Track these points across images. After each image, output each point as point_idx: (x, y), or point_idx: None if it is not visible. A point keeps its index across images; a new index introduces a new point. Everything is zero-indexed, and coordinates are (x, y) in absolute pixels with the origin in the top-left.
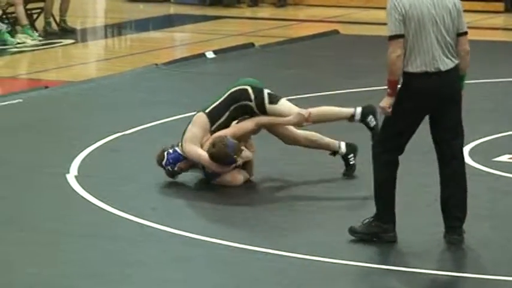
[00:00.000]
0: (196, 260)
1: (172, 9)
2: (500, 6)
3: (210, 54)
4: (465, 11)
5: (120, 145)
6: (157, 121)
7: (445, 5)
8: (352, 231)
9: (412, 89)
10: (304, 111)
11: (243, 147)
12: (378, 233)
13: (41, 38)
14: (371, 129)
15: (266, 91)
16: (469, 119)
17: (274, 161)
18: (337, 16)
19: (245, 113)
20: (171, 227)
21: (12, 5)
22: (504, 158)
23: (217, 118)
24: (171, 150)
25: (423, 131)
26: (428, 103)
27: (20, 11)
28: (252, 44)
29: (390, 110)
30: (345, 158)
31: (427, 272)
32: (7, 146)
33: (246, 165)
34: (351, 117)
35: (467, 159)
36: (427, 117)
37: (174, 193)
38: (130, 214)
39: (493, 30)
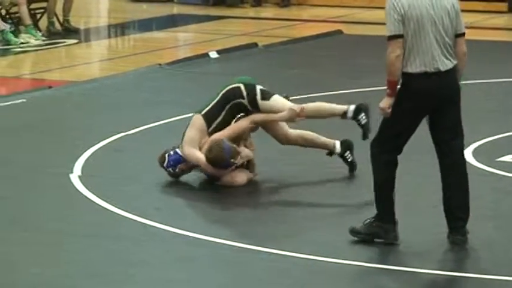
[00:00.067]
0: (200, 260)
1: (176, 9)
2: (503, 6)
3: (213, 54)
4: (468, 11)
5: (124, 145)
6: (160, 121)
7: (444, 6)
8: (353, 231)
9: (411, 90)
10: (297, 107)
11: (242, 147)
12: (379, 233)
13: (44, 38)
14: (362, 126)
15: (258, 87)
16: (472, 119)
17: (275, 161)
18: (340, 16)
19: (240, 111)
20: (175, 227)
21: (15, 5)
22: (507, 158)
23: (213, 119)
24: (171, 152)
25: (425, 131)
26: (428, 103)
27: (24, 11)
28: (256, 44)
29: (390, 110)
30: (342, 156)
31: (429, 272)
32: (11, 146)
33: (248, 164)
34: (344, 114)
35: (471, 160)
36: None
37: (178, 193)
38: (133, 214)
39: (496, 30)
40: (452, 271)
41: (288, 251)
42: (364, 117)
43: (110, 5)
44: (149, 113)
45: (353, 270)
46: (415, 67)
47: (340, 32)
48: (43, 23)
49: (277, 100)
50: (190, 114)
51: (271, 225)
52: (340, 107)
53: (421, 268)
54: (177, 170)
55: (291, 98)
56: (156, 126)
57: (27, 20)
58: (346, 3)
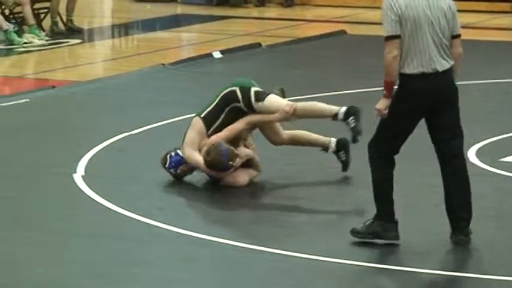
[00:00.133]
0: (203, 260)
1: (179, 9)
2: (506, 6)
3: (217, 54)
4: (471, 11)
5: (127, 145)
6: (164, 121)
7: (441, 7)
8: (354, 232)
9: (409, 91)
10: (289, 107)
11: (242, 148)
12: (380, 233)
13: (47, 38)
14: (351, 129)
15: (253, 89)
16: (476, 119)
17: (277, 161)
18: (344, 16)
19: (238, 114)
20: (178, 227)
21: (19, 4)
22: (511, 158)
23: (212, 122)
24: (173, 153)
25: (425, 131)
26: (426, 104)
27: (27, 10)
28: (259, 44)
29: (386, 111)
30: (335, 154)
31: (430, 272)
32: (14, 145)
33: (251, 163)
34: (335, 116)
35: (474, 160)
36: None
37: (181, 193)
38: (137, 214)
39: (500, 30)
40: (453, 271)
41: (290, 251)
42: (352, 120)
43: (113, 5)
44: (153, 113)
45: (354, 270)
46: (412, 68)
47: (343, 32)
48: (46, 23)
49: (272, 101)
50: (193, 115)
51: (273, 226)
52: (331, 109)
53: (421, 268)
54: (178, 171)
55: (293, 98)
56: (159, 126)
57: (31, 20)
58: (349, 4)
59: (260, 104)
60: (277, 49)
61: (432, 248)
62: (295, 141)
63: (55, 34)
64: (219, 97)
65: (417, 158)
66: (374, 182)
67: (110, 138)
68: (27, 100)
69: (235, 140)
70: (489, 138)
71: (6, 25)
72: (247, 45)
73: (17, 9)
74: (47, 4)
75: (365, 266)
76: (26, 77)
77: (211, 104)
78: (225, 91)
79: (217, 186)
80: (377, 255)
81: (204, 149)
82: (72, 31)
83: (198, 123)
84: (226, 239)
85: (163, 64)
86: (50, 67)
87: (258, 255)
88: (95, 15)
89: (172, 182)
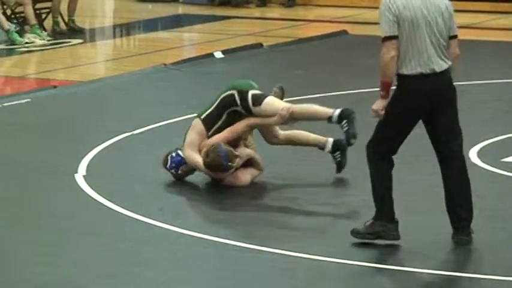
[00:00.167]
0: (204, 260)
1: (181, 9)
2: (509, 6)
3: (218, 54)
4: (474, 11)
5: (129, 145)
6: (165, 121)
7: (438, 7)
8: (354, 232)
9: (407, 91)
10: (285, 111)
11: (242, 148)
12: (381, 233)
13: (49, 38)
14: (344, 133)
15: (250, 93)
16: (478, 120)
17: (277, 162)
18: (345, 16)
19: (237, 117)
20: (179, 227)
21: (20, 4)
22: None
23: (212, 125)
24: (174, 154)
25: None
26: (424, 105)
27: (29, 10)
28: (261, 44)
29: (383, 112)
30: (331, 155)
31: (430, 272)
32: (15, 145)
33: (252, 162)
34: (329, 119)
35: (476, 160)
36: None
37: (182, 193)
38: (138, 214)
39: (504, 30)
40: (453, 271)
41: (290, 251)
42: (345, 124)
43: (115, 5)
44: (154, 113)
45: (354, 270)
46: (410, 69)
47: (345, 32)
48: (48, 22)
49: (269, 104)
50: (195, 115)
51: (274, 226)
52: (326, 111)
53: (421, 268)
54: (179, 171)
55: (295, 98)
56: (161, 126)
57: (33, 20)
58: (351, 4)
59: (258, 107)
60: (279, 49)
61: (432, 248)
62: (292, 141)
63: (56, 34)
64: (218, 100)
65: (417, 157)
66: (373, 182)
67: (112, 138)
68: (29, 100)
69: (236, 141)
70: (491, 138)
71: (8, 25)
72: (248, 45)
73: (19, 9)
74: (49, 4)
75: (365, 266)
76: (27, 77)
77: (211, 106)
78: (224, 94)
79: (218, 187)
80: (377, 255)
81: (204, 150)
82: (74, 31)
83: (198, 125)
84: (227, 239)
85: (164, 64)
86: (52, 67)
87: (258, 255)
88: (97, 15)
89: (174, 182)
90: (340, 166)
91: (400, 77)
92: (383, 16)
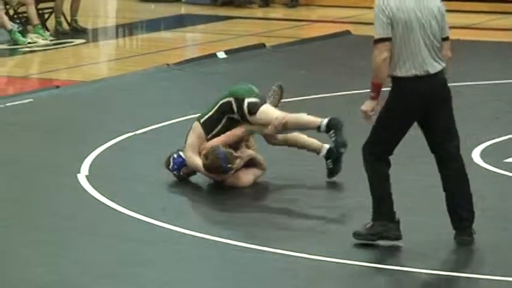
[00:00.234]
0: (205, 260)
1: (184, 9)
2: (510, 7)
3: (221, 55)
4: (476, 11)
5: (131, 145)
6: (168, 121)
7: (431, 9)
8: (356, 234)
9: (402, 93)
10: (278, 121)
11: (244, 149)
12: (382, 233)
13: (52, 38)
14: (333, 142)
15: (246, 101)
16: (480, 120)
17: (278, 163)
18: (348, 17)
19: (236, 122)
20: (182, 227)
21: (23, 4)
22: None
23: (211, 129)
24: (175, 156)
25: None
26: (419, 106)
27: (31, 10)
28: (263, 45)
29: (372, 113)
30: (325, 160)
31: (430, 272)
32: (18, 145)
33: (254, 162)
34: (318, 128)
35: (478, 161)
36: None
37: (184, 193)
38: (140, 214)
39: (504, 31)
40: (454, 271)
41: (291, 251)
42: (333, 134)
43: (117, 5)
44: (157, 113)
45: (355, 270)
46: (405, 71)
47: (348, 32)
48: (51, 22)
49: (264, 113)
50: (198, 115)
51: (275, 226)
52: (315, 121)
53: (421, 268)
54: (181, 173)
55: (297, 98)
56: (163, 126)
57: (35, 20)
58: (354, 4)
59: (253, 116)
60: (282, 49)
61: (432, 248)
62: (289, 143)
63: (59, 34)
64: (217, 106)
65: (417, 158)
66: (371, 183)
67: (114, 138)
68: (31, 100)
69: (237, 142)
70: (494, 139)
71: (11, 25)
72: (251, 45)
73: (21, 9)
74: (51, 4)
75: (365, 266)
76: (30, 77)
77: (210, 110)
78: (222, 101)
79: (220, 187)
80: (377, 255)
81: (203, 152)
82: (77, 31)
83: (197, 128)
84: (229, 239)
85: (167, 64)
86: (54, 67)
87: (259, 255)
88: (99, 15)
89: (176, 183)
90: (331, 173)
91: (395, 79)
92: (377, 18)
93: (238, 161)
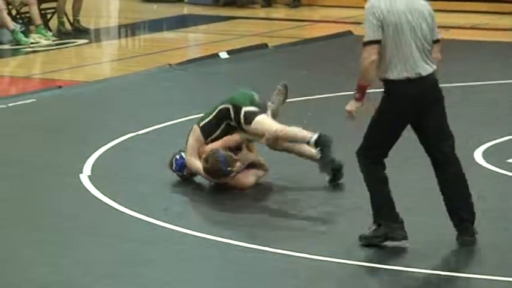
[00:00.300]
0: (207, 260)
1: (186, 9)
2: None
3: (223, 55)
4: (477, 12)
5: (134, 145)
6: (170, 121)
7: (421, 12)
8: (362, 238)
9: (395, 96)
10: (270, 135)
11: (245, 151)
12: (388, 234)
13: (54, 38)
14: (319, 159)
15: (244, 110)
16: (483, 120)
17: (279, 163)
18: (350, 17)
19: (234, 128)
20: (183, 227)
21: (26, 4)
22: None
23: (209, 134)
24: (177, 157)
25: None
26: (412, 109)
27: (34, 11)
28: (266, 45)
29: (356, 114)
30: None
31: (430, 272)
32: (20, 145)
33: (256, 163)
34: (307, 143)
35: (481, 161)
36: None
37: (186, 194)
38: (142, 214)
39: (507, 31)
40: (454, 271)
41: (292, 251)
42: (319, 152)
43: (120, 5)
44: (159, 113)
45: (356, 270)
46: (396, 73)
47: (350, 32)
48: (53, 23)
49: (259, 123)
50: (200, 115)
51: (276, 226)
52: (305, 136)
53: (421, 268)
54: (184, 173)
55: (300, 98)
56: (166, 126)
57: (38, 20)
58: (356, 4)
59: (248, 126)
60: (284, 50)
61: (432, 248)
62: (287, 149)
63: (62, 34)
64: (216, 111)
65: (416, 158)
66: (370, 188)
67: (117, 138)
68: (34, 100)
69: (237, 146)
70: (496, 139)
71: (13, 25)
72: (253, 45)
73: (24, 9)
74: (54, 4)
75: (365, 266)
76: (32, 77)
77: (210, 115)
78: (221, 106)
79: (222, 188)
80: (377, 255)
81: (203, 156)
82: (79, 31)
83: (196, 132)
84: (230, 239)
85: (170, 64)
86: (57, 67)
87: (260, 255)
88: (102, 15)
89: (178, 183)
90: (332, 180)
91: (387, 82)
92: (367, 21)
93: (238, 163)
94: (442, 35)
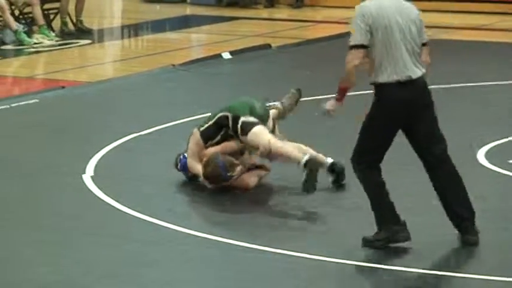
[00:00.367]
0: (209, 260)
1: (189, 10)
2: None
3: (226, 55)
4: (479, 12)
5: (136, 146)
6: (173, 122)
7: (410, 16)
8: (364, 241)
9: (385, 100)
10: (263, 149)
11: (246, 156)
12: (390, 237)
13: (57, 38)
14: (303, 181)
15: (241, 120)
16: (486, 121)
17: (280, 164)
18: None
19: (231, 136)
20: (186, 228)
21: (29, 5)
22: None
23: (208, 139)
24: (181, 157)
25: None
26: (402, 113)
27: (37, 11)
28: (269, 45)
29: (334, 113)
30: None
31: (430, 272)
32: (23, 146)
33: (258, 166)
34: (298, 164)
35: (484, 161)
36: None
37: (189, 194)
38: (145, 215)
39: (505, 31)
40: (454, 272)
41: (292, 251)
42: (304, 175)
43: (123, 6)
44: (162, 113)
45: (356, 270)
46: (386, 76)
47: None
48: (56, 23)
49: (255, 134)
50: (203, 115)
51: (277, 226)
52: (296, 157)
53: (422, 268)
54: (189, 173)
55: (303, 99)
56: (169, 126)
57: (41, 21)
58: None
59: (244, 137)
60: (287, 50)
61: (432, 248)
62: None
63: (65, 34)
64: (215, 118)
65: (409, 164)
66: (368, 193)
67: (120, 138)
68: (37, 100)
69: (238, 151)
70: (499, 140)
71: (16, 25)
72: (256, 46)
73: (27, 9)
74: (57, 4)
75: (365, 266)
76: (35, 78)
77: (210, 120)
78: (220, 114)
79: (224, 188)
80: (377, 255)
81: (204, 160)
82: (82, 32)
83: (196, 136)
84: (231, 239)
85: (173, 65)
86: (60, 67)
87: (261, 255)
88: (105, 15)
89: (181, 183)
90: (335, 182)
91: (377, 86)
92: (355, 24)
93: (239, 167)
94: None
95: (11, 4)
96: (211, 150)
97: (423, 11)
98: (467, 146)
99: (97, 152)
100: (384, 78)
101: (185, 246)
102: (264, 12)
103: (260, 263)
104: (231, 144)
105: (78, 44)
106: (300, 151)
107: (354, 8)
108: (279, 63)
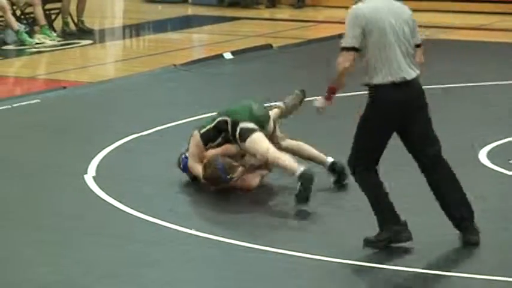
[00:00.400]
0: (211, 260)
1: (190, 10)
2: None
3: (228, 55)
4: (478, 12)
5: (138, 146)
6: (175, 122)
7: (402, 16)
8: (366, 242)
9: (380, 101)
10: (260, 157)
11: (247, 157)
12: (391, 237)
13: (59, 39)
14: (297, 192)
15: (240, 126)
16: (488, 121)
17: None
18: None
19: (230, 141)
20: (188, 228)
21: (30, 5)
22: None
23: (209, 141)
24: (183, 157)
25: None
26: (397, 114)
27: (38, 11)
28: (270, 45)
29: (324, 110)
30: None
31: (430, 272)
32: (25, 146)
33: (259, 166)
34: (292, 175)
35: (486, 161)
36: None
37: (190, 194)
38: (147, 215)
39: (505, 31)
40: (454, 272)
41: (294, 251)
42: (299, 187)
43: (124, 6)
44: (164, 114)
45: (356, 270)
46: (381, 78)
47: None
48: (58, 23)
49: (253, 142)
50: (204, 116)
51: (278, 226)
52: (292, 168)
53: (422, 268)
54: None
55: (305, 99)
56: (170, 127)
57: (42, 21)
58: None
59: (242, 143)
60: (288, 50)
61: (432, 248)
62: (294, 153)
63: (66, 35)
64: (215, 123)
65: (404, 165)
66: (367, 194)
67: (121, 139)
68: (38, 101)
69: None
70: (501, 139)
71: (18, 26)
72: (258, 46)
73: (28, 9)
74: (58, 5)
75: (366, 266)
76: (37, 78)
77: (210, 123)
78: (219, 118)
79: (225, 189)
80: (378, 255)
81: (204, 162)
82: (83, 32)
83: (196, 138)
84: (232, 239)
85: (174, 65)
86: (61, 68)
87: (262, 255)
88: (106, 16)
89: (182, 184)
90: (337, 182)
91: (372, 88)
92: (349, 27)
93: (240, 169)
94: (427, 32)
95: (12, 4)
96: (212, 152)
97: (423, 11)
98: (468, 146)
99: (98, 152)
100: (378, 79)
101: (186, 246)
102: (266, 13)
103: (261, 263)
104: (230, 148)
105: (80, 44)
106: (301, 153)
107: None
108: (280, 63)
